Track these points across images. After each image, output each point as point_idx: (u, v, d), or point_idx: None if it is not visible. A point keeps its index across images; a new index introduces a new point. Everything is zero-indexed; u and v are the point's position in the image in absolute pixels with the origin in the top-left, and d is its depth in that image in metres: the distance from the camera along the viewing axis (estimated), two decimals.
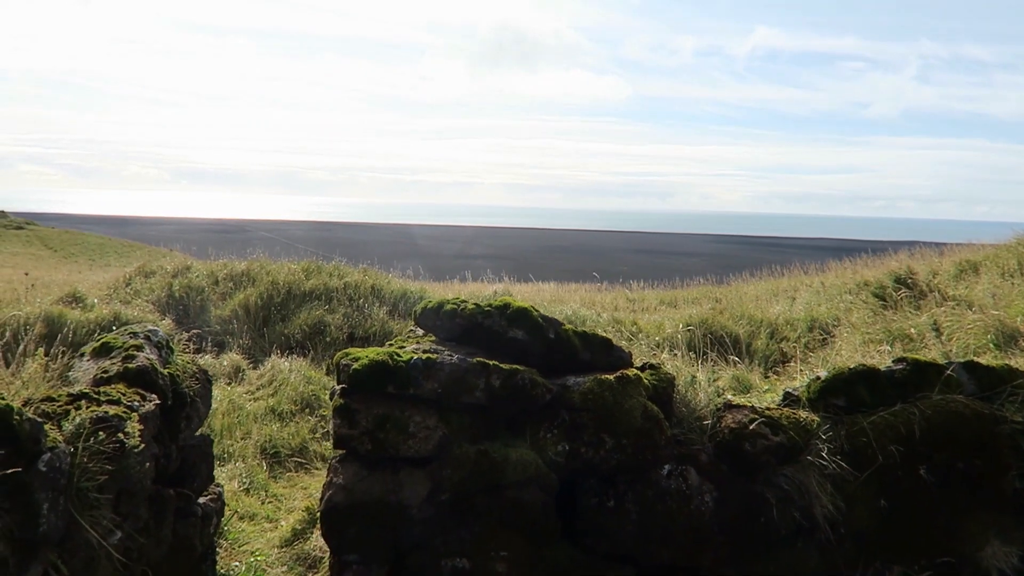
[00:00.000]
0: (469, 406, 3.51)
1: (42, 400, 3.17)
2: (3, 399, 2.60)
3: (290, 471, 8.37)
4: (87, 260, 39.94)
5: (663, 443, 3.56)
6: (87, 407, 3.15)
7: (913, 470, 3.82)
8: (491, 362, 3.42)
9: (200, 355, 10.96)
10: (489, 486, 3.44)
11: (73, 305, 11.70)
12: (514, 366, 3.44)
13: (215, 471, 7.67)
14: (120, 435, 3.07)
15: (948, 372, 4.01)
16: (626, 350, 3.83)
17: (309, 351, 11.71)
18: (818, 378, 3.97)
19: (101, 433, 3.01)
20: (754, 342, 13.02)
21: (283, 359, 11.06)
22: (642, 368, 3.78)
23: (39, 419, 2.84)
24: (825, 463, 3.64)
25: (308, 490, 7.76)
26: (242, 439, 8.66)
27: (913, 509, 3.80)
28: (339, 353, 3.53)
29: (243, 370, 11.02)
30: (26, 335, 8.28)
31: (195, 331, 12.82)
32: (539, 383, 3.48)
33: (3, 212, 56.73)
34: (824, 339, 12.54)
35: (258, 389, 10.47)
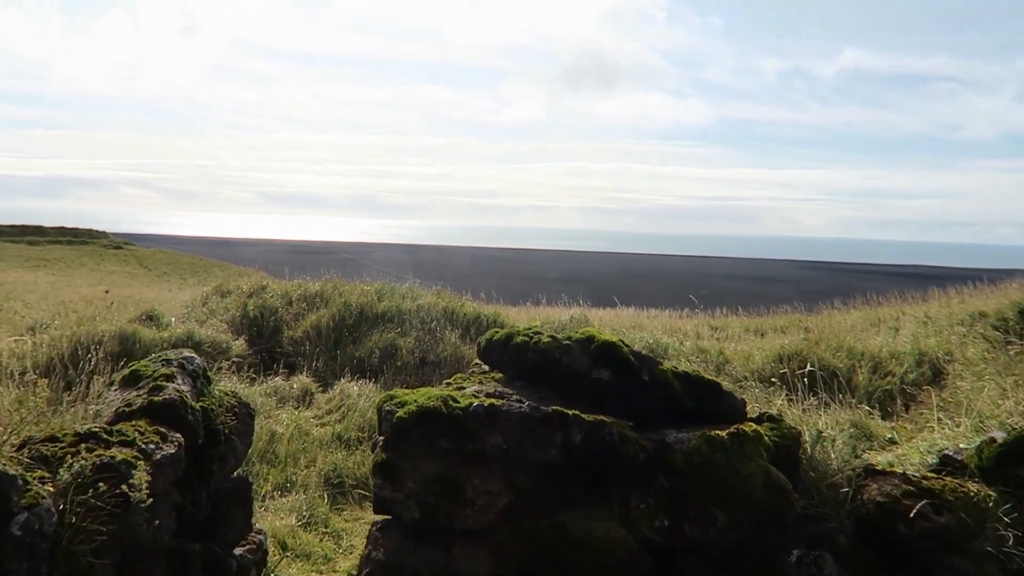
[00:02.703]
0: (542, 465, 2.79)
1: (43, 440, 2.71)
2: None
3: (353, 504, 7.98)
4: (179, 279, 41.68)
5: (792, 521, 2.77)
6: (91, 451, 2.67)
7: None
8: (570, 411, 2.71)
9: (271, 376, 10.76)
10: (566, 568, 2.68)
11: (148, 324, 11.73)
12: (599, 417, 2.72)
13: (282, 497, 7.27)
14: (123, 487, 2.56)
15: None
16: (738, 396, 3.06)
17: (381, 376, 11.32)
18: (993, 440, 3.09)
19: (101, 484, 2.51)
20: (854, 377, 11.91)
21: (353, 383, 10.77)
22: (758, 419, 3.00)
23: (24, 467, 2.36)
24: (1008, 554, 2.78)
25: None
26: (306, 467, 8.32)
27: None
28: (382, 396, 2.89)
29: (312, 393, 10.78)
30: (98, 352, 8.17)
31: (267, 352, 12.72)
32: (630, 439, 2.74)
33: (103, 232, 59.98)
34: (935, 376, 11.36)
35: (326, 414, 10.20)
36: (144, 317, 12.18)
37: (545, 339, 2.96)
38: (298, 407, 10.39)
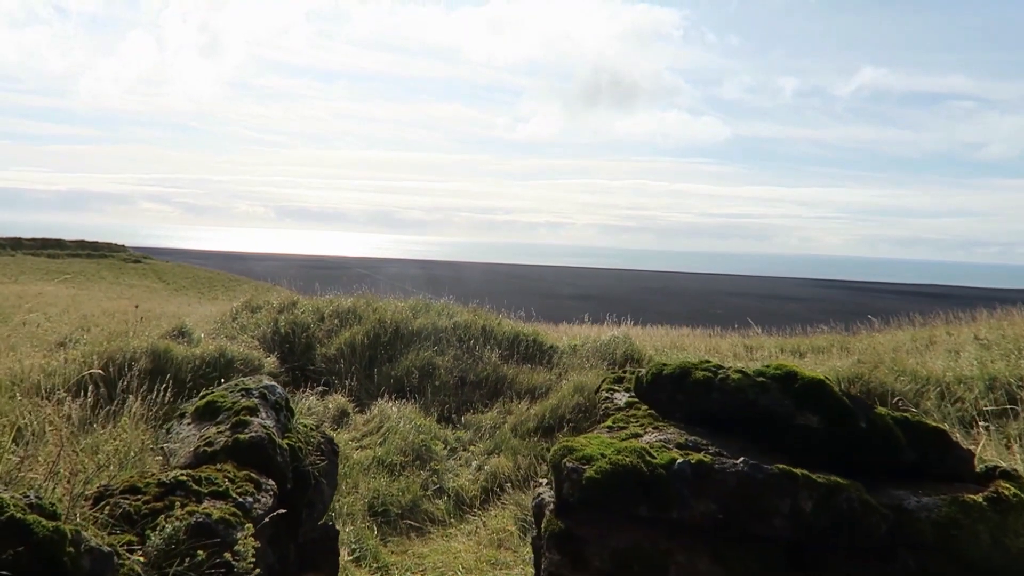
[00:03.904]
0: (759, 539, 2.19)
1: (123, 491, 2.21)
2: (53, 516, 1.59)
3: (400, 533, 7.52)
4: (196, 293, 41.61)
5: None
6: (182, 506, 2.16)
7: None
8: (798, 471, 2.17)
9: (304, 395, 10.29)
10: None
11: (179, 339, 11.27)
12: (833, 478, 2.12)
13: None
14: (227, 555, 2.06)
15: None
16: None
17: (420, 396, 10.81)
18: None
19: (200, 552, 2.00)
20: (921, 403, 11.31)
21: (391, 403, 10.27)
22: (988, 475, 2.43)
23: (107, 528, 1.86)
24: None
25: (423, 561, 6.85)
26: (348, 494, 7.82)
27: None
28: (557, 446, 2.28)
29: (349, 414, 10.30)
30: (131, 370, 7.72)
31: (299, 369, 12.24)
32: (872, 508, 2.14)
33: (123, 246, 60.16)
34: (1010, 403, 10.76)
35: (364, 436, 9.71)
36: (175, 333, 11.72)
37: (734, 375, 2.40)
38: (335, 428, 9.91)
